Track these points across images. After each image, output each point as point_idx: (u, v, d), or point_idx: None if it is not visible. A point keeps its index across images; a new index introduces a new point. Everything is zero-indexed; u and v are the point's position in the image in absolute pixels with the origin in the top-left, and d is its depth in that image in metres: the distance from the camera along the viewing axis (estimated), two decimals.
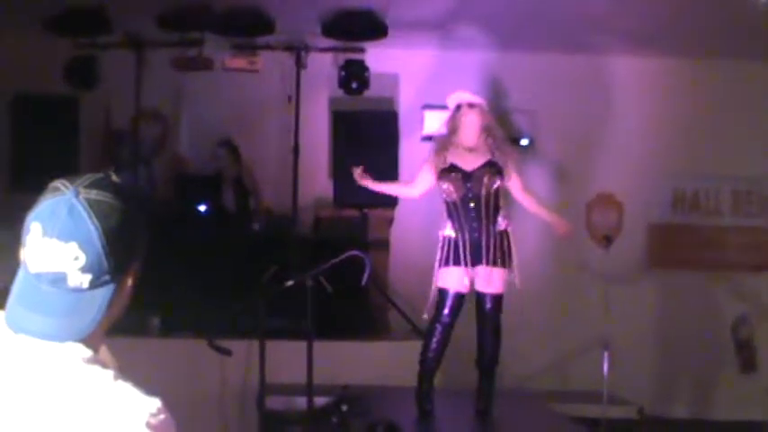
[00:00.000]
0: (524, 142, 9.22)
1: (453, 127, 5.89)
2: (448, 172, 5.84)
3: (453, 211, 5.84)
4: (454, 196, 5.81)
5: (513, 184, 5.94)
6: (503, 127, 6.32)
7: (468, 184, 5.79)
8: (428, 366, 5.91)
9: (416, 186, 6.08)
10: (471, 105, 5.87)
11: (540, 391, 8.39)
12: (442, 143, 5.95)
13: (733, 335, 9.29)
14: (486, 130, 5.89)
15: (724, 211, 9.55)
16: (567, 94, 9.18)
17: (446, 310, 5.80)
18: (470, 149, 5.86)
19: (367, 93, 8.62)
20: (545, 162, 9.27)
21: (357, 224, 8.43)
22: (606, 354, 7.02)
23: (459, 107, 5.88)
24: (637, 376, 8.70)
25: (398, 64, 9.20)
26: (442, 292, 5.83)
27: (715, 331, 9.24)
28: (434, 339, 5.84)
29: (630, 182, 9.28)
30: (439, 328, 5.82)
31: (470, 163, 5.83)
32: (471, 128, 5.83)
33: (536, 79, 9.13)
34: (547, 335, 8.95)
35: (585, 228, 9.20)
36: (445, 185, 5.84)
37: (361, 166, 6.08)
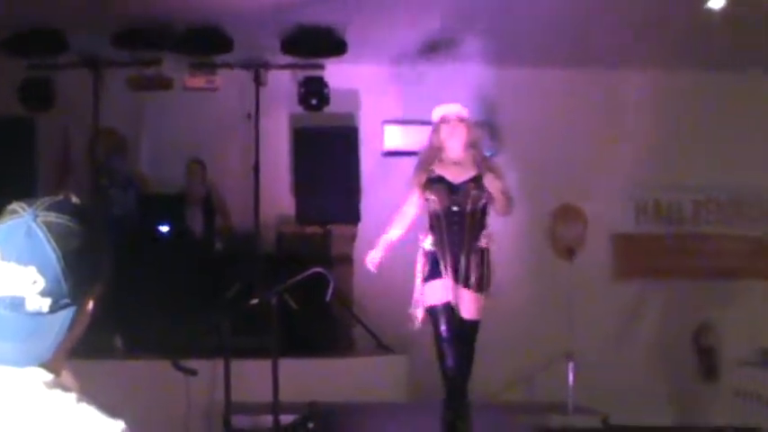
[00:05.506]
0: (487, 154, 9.24)
1: (439, 140, 5.80)
2: (434, 183, 5.72)
3: (436, 223, 5.70)
4: (438, 206, 5.67)
5: (498, 202, 5.76)
6: None
7: (454, 196, 5.67)
8: (455, 383, 5.66)
9: (406, 215, 5.84)
10: (461, 119, 5.84)
11: (506, 403, 8.40)
12: (427, 158, 5.82)
13: (695, 342, 9.36)
14: (473, 145, 5.85)
15: (685, 220, 9.65)
16: (529, 106, 9.22)
17: (443, 327, 5.57)
18: (456, 162, 5.79)
19: (327, 109, 8.63)
20: (508, 174, 9.29)
21: (320, 240, 8.42)
22: (571, 364, 7.06)
23: (446, 120, 5.82)
24: (602, 386, 8.73)
25: (358, 80, 9.20)
26: (433, 310, 5.62)
27: (679, 339, 9.31)
28: (448, 358, 5.59)
29: (592, 193, 9.34)
30: (445, 345, 5.58)
31: (457, 176, 5.73)
32: (458, 141, 5.78)
33: (499, 92, 9.16)
34: (512, 347, 8.94)
35: (549, 240, 9.24)
36: (430, 195, 5.71)
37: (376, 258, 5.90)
